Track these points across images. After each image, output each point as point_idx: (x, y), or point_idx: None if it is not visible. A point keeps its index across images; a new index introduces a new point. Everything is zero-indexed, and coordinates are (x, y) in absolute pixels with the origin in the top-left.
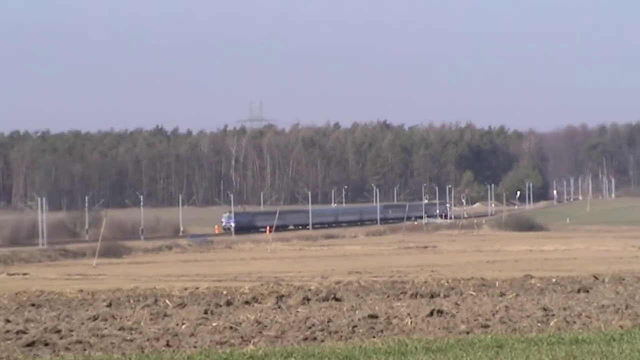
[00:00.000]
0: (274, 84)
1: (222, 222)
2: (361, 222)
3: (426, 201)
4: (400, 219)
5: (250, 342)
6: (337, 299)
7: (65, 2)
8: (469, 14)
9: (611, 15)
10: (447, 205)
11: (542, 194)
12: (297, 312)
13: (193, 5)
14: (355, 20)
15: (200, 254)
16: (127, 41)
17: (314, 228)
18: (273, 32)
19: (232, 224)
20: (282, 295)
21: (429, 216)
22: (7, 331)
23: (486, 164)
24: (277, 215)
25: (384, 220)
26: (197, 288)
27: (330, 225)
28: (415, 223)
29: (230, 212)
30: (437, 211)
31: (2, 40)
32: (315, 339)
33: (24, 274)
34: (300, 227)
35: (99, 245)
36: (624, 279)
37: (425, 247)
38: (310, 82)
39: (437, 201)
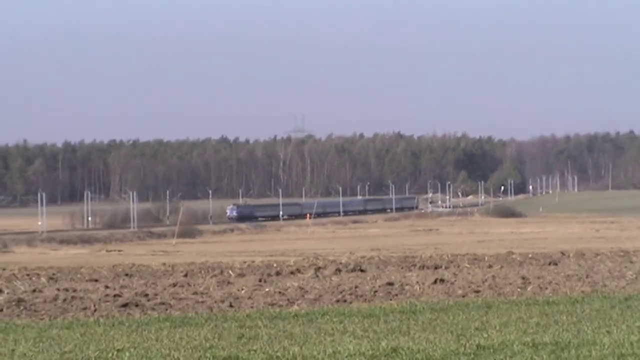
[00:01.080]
0: (313, 102)
1: (227, 213)
2: (345, 213)
3: (397, 196)
4: (379, 211)
5: (294, 303)
6: (362, 270)
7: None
8: (465, 45)
9: (577, 45)
10: (415, 198)
11: (520, 188)
12: (331, 280)
13: (254, 36)
14: (379, 50)
15: (255, 235)
16: (200, 69)
17: (297, 218)
18: (312, 60)
19: (235, 214)
20: (319, 267)
21: (396, 209)
22: (107, 295)
23: (477, 165)
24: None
25: (364, 212)
26: (253, 261)
27: (318, 215)
28: (423, 211)
29: (234, 204)
30: (406, 204)
31: (102, 63)
32: (345, 301)
33: (119, 251)
34: (293, 217)
35: (177, 229)
36: (584, 255)
37: (430, 230)
38: (342, 101)
39: (406, 195)
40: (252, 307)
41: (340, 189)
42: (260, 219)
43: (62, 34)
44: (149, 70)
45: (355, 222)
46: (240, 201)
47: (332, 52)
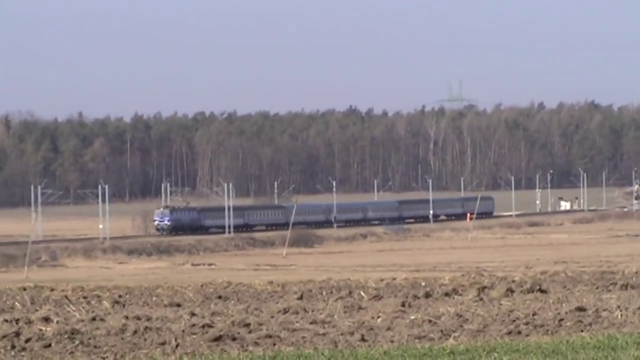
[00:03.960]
0: (474, 62)
1: (154, 221)
2: (366, 222)
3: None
4: (425, 218)
5: (450, 336)
6: (542, 291)
7: None
8: None
9: None
10: (492, 199)
11: None
12: (500, 304)
13: None
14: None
15: (396, 242)
16: (317, 19)
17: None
18: (473, 6)
19: (168, 223)
20: (484, 287)
21: (439, 216)
22: (193, 325)
23: None
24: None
25: (397, 220)
26: (393, 279)
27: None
28: (626, 210)
29: (165, 207)
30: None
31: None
32: (519, 333)
33: (210, 265)
34: (273, 227)
35: (289, 234)
36: None
37: (637, 236)
38: (513, 59)
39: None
40: (392, 342)
41: (513, 179)
42: (211, 229)
43: None
44: (248, 21)
45: (533, 224)
46: (181, 201)
47: None
